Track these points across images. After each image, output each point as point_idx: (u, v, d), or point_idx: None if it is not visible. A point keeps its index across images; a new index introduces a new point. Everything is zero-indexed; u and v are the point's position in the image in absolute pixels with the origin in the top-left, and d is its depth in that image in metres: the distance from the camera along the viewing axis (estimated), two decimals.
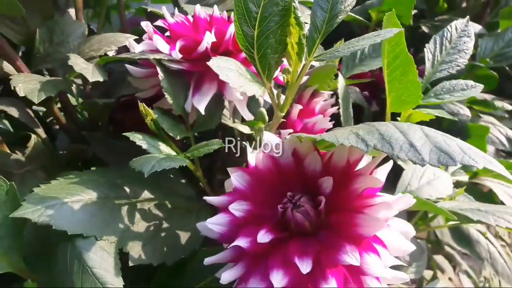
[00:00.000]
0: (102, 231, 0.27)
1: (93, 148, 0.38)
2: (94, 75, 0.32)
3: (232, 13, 0.38)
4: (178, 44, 0.33)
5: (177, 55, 0.32)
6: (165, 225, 0.32)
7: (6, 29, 0.39)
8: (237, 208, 0.26)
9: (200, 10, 0.34)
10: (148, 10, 0.42)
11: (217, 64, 0.25)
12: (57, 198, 0.27)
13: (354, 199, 0.23)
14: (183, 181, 0.38)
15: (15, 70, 0.38)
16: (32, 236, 0.27)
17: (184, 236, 0.31)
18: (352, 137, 0.21)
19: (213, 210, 0.34)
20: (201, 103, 0.33)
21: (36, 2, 0.39)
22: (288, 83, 0.29)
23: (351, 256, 0.21)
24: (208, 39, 0.32)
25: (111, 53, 0.40)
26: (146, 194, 0.33)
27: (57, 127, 0.48)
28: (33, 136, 0.39)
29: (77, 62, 0.33)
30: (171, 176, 0.37)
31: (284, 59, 0.29)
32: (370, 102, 0.54)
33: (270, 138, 0.27)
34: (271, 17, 0.27)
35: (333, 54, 0.29)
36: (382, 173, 0.25)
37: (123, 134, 0.30)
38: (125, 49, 0.39)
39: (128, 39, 0.39)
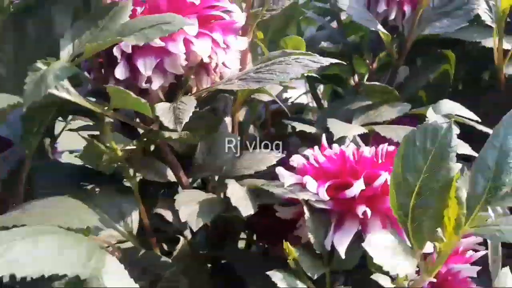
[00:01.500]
0: None
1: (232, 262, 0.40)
2: (247, 209, 0.34)
3: (379, 148, 0.38)
4: (326, 186, 0.34)
5: (324, 196, 0.34)
6: None
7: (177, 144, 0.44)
8: None
9: (350, 152, 0.35)
10: (297, 130, 0.45)
11: (372, 241, 0.25)
12: None
13: None
14: None
15: (176, 178, 0.43)
16: None
17: None
18: None
19: None
20: (342, 244, 0.33)
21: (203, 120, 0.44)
22: (441, 251, 0.28)
23: None
24: (358, 187, 0.33)
25: None
26: None
27: None
28: (182, 239, 0.43)
29: (234, 192, 0.35)
30: None
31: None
32: None
33: None
34: (430, 192, 0.26)
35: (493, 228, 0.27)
36: None
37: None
38: None
39: (276, 161, 0.42)
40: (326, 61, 0.35)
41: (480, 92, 0.60)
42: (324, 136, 0.41)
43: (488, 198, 0.27)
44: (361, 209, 0.33)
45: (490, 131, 0.50)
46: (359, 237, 0.35)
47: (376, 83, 0.51)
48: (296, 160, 0.38)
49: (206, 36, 0.36)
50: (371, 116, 0.51)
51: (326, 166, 0.36)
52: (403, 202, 0.27)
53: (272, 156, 0.43)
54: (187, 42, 0.35)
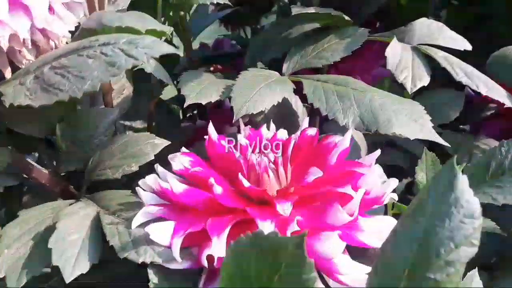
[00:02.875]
0: None
1: None
2: (73, 270, 0.24)
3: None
4: (182, 237, 0.23)
5: (177, 255, 0.23)
6: None
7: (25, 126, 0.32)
8: None
9: (215, 184, 0.23)
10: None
11: None
12: None
13: None
14: None
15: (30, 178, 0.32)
16: None
17: None
18: None
19: None
20: None
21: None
22: None
23: None
24: (216, 251, 0.22)
25: None
26: None
27: None
28: None
29: (58, 239, 0.25)
30: None
31: None
32: None
33: None
34: None
35: None
36: None
37: None
38: None
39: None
40: (148, 57, 0.20)
41: None
42: (211, 127, 0.28)
43: None
44: None
45: (475, 84, 0.35)
46: None
47: (311, 9, 0.34)
48: (147, 183, 0.26)
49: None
50: (309, 57, 0.36)
51: (183, 201, 0.24)
52: None
53: (150, 149, 0.30)
54: None
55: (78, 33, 0.27)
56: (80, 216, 0.27)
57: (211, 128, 0.29)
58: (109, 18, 0.24)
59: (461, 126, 0.49)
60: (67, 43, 0.29)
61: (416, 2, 0.40)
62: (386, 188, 0.25)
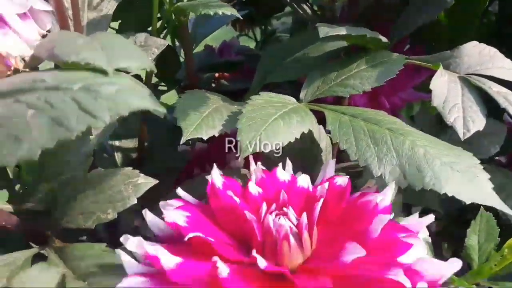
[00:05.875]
0: None
1: None
2: None
3: None
4: None
5: None
6: None
7: None
8: None
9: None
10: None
11: None
12: None
13: None
14: None
15: None
16: None
17: None
18: None
19: None
20: None
21: None
22: None
23: None
24: None
25: None
26: None
27: None
28: None
29: None
30: None
31: None
32: None
33: None
34: None
35: None
36: None
37: None
38: None
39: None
40: (114, 115, 0.14)
41: None
42: (215, 171, 0.22)
43: None
44: None
45: None
46: None
47: (342, 30, 0.28)
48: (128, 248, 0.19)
49: None
50: (333, 83, 0.30)
51: (177, 280, 0.18)
52: None
53: (131, 191, 0.24)
54: None
55: (28, 61, 0.20)
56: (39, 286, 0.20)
57: (215, 173, 0.22)
58: (63, 48, 0.17)
59: (496, 158, 0.43)
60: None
61: (460, 24, 0.34)
62: (444, 270, 0.19)
